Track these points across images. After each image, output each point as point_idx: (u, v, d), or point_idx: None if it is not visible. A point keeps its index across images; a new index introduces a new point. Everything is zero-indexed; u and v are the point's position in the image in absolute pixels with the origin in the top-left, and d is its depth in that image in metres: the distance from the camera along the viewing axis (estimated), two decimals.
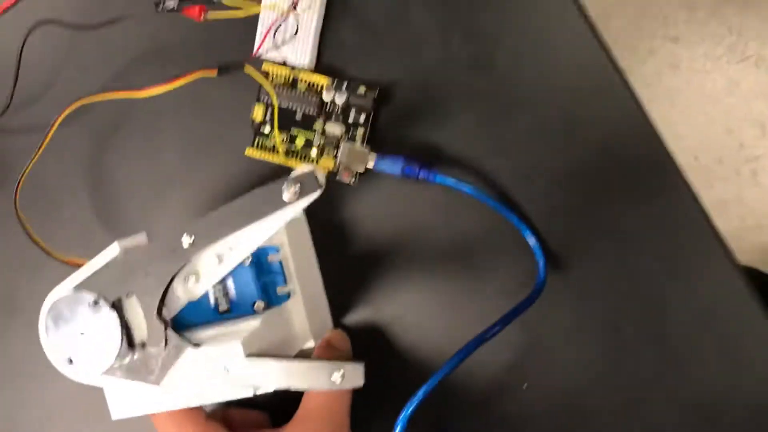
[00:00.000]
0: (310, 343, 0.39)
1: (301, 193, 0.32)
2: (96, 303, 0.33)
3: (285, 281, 0.38)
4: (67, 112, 0.39)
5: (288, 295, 0.38)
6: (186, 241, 0.32)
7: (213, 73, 0.37)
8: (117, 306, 0.33)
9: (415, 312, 0.40)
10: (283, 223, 0.33)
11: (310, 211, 0.40)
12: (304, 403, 0.36)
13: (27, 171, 0.39)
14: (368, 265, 0.41)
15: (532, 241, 0.37)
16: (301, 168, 0.33)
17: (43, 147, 0.39)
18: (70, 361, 0.34)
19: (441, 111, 0.39)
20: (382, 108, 0.39)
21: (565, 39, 0.38)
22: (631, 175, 0.38)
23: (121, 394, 0.35)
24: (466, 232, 0.39)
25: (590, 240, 0.38)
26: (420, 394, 0.32)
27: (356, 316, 0.41)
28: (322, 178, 0.33)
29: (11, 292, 0.45)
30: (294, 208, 0.32)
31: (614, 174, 0.38)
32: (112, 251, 0.33)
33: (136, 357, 0.34)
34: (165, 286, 0.33)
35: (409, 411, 0.32)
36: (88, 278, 0.33)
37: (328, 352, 0.38)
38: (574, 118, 0.38)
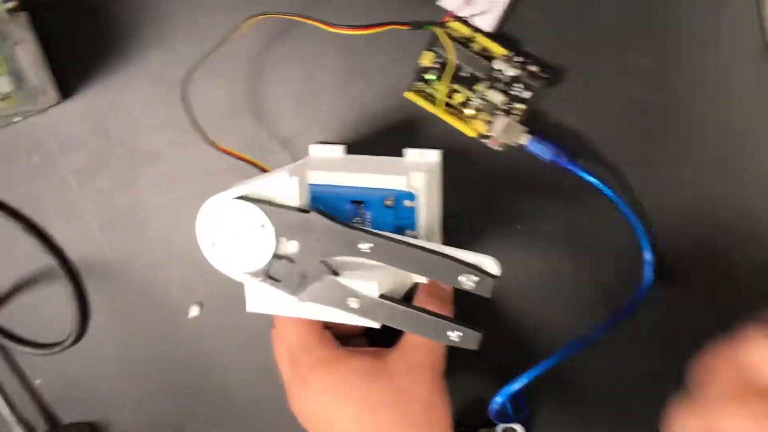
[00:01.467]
0: (423, 280, 0.43)
1: (476, 287, 0.35)
2: (263, 226, 0.37)
3: (415, 226, 0.41)
4: (254, 20, 0.40)
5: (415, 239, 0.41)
6: (363, 247, 0.35)
7: (404, 28, 0.39)
8: (278, 238, 0.37)
9: (520, 286, 0.44)
10: None
11: (446, 164, 0.42)
12: (408, 337, 0.41)
13: (202, 61, 0.42)
14: (486, 228, 0.44)
15: (647, 256, 0.40)
16: (484, 261, 0.35)
17: (221, 43, 0.41)
18: (213, 245, 0.38)
19: (601, 111, 0.40)
20: (551, 89, 0.41)
21: (746, 71, 0.39)
22: None
23: (259, 292, 0.40)
24: (586, 226, 0.42)
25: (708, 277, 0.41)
26: (524, 378, 0.36)
27: None
28: (496, 276, 0.35)
29: None
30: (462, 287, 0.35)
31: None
32: (282, 178, 0.36)
33: (278, 265, 0.38)
34: (326, 258, 0.37)
35: (513, 389, 0.36)
36: (268, 205, 0.37)
37: (431, 298, 0.42)
38: (738, 151, 0.40)
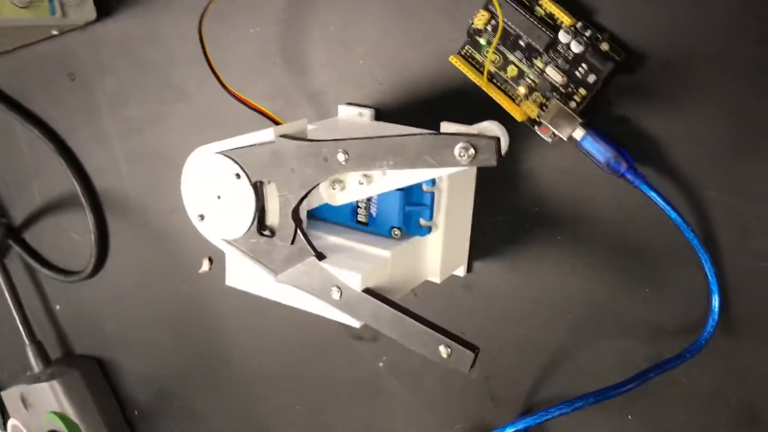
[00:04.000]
0: (436, 279, 0.36)
1: (474, 159, 0.27)
2: (238, 176, 0.32)
3: (431, 216, 0.35)
4: None
5: (429, 230, 0.35)
6: (341, 157, 0.29)
7: None
8: (257, 187, 0.32)
9: (549, 306, 0.37)
10: (444, 174, 0.29)
11: None
12: None
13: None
14: (524, 227, 0.37)
15: (715, 301, 0.32)
16: (487, 126, 0.29)
17: None
18: (202, 218, 0.34)
19: (686, 113, 0.32)
20: (619, 77, 0.33)
21: None
22: None
23: (241, 267, 0.35)
24: (641, 251, 0.34)
25: None
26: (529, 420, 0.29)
27: (492, 272, 0.38)
28: (503, 146, 0.28)
29: None
30: (461, 168, 0.28)
31: None
32: (267, 135, 0.31)
33: (262, 241, 0.33)
34: (307, 190, 0.31)
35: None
36: (238, 150, 0.31)
37: None
38: None
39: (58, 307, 0.59)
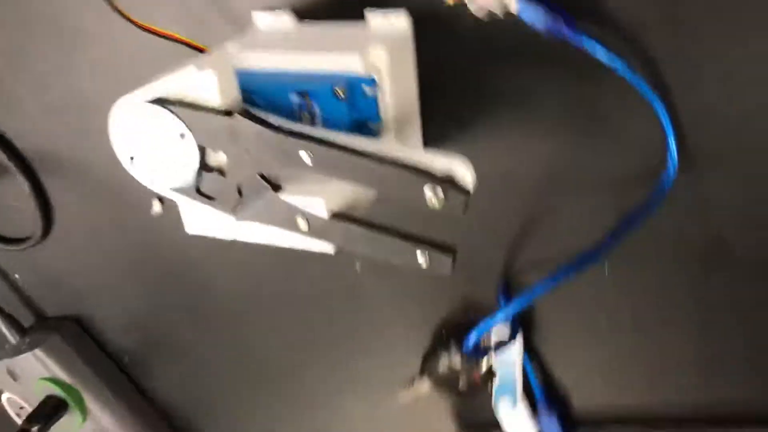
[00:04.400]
0: None
1: (446, 199, 0.27)
2: (182, 136, 0.30)
3: (379, 117, 0.33)
4: None
5: (380, 132, 0.34)
6: (305, 156, 0.28)
7: None
8: (201, 147, 0.30)
9: (512, 183, 0.37)
10: None
11: (420, 39, 0.34)
12: None
13: None
14: (472, 109, 0.36)
15: (672, 144, 0.32)
16: (455, 165, 0.27)
17: None
18: (132, 159, 0.32)
19: None
20: None
21: None
22: None
23: (196, 211, 0.33)
24: (594, 108, 0.34)
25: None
26: (513, 306, 0.30)
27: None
28: (470, 179, 0.27)
29: None
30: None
31: None
32: (189, 73, 0.29)
33: (209, 180, 0.31)
34: (257, 173, 0.30)
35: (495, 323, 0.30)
36: (186, 109, 0.29)
37: None
38: None
39: (17, 275, 0.57)
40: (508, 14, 0.31)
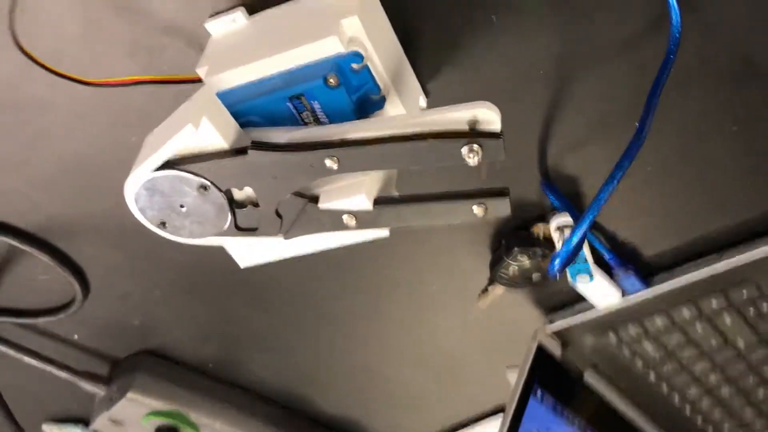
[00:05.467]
0: None
1: (484, 150, 0.26)
2: (205, 188, 0.29)
3: (378, 88, 0.32)
4: None
5: (384, 99, 0.33)
6: (330, 162, 0.27)
7: None
8: (228, 192, 0.29)
9: (519, 71, 0.36)
10: None
11: None
12: None
13: None
14: (455, 28, 0.34)
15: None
16: (481, 112, 0.26)
17: None
18: (164, 225, 0.31)
19: None
20: None
21: None
22: None
23: (243, 245, 0.33)
24: None
25: None
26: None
27: (450, 86, 0.37)
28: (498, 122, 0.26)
29: None
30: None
31: None
32: (187, 133, 0.28)
33: (245, 215, 0.31)
34: (293, 191, 0.29)
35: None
36: (200, 164, 0.28)
37: None
38: None
39: (76, 336, 0.58)
40: None
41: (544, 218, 0.42)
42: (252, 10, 0.34)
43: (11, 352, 0.56)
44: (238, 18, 0.34)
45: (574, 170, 0.40)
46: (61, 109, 0.40)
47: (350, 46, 0.30)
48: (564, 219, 0.40)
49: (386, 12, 0.33)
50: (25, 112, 0.40)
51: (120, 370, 0.59)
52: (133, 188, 0.30)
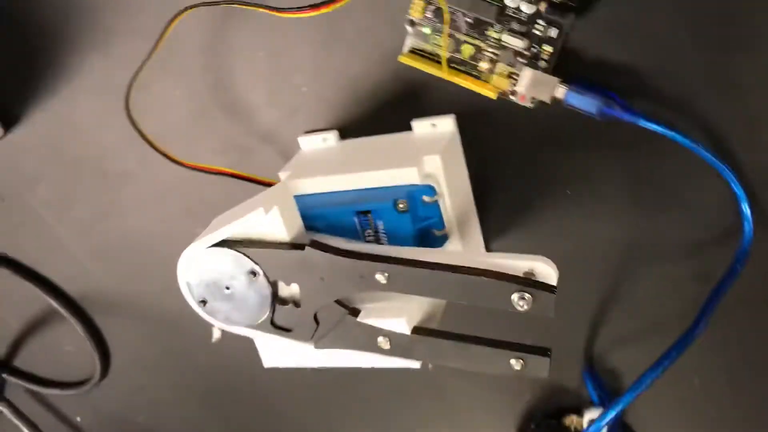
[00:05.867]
0: None
1: (534, 301, 0.26)
2: (254, 274, 0.29)
3: (443, 224, 0.33)
4: (185, 14, 0.32)
5: (446, 237, 0.33)
6: (380, 277, 0.28)
7: None
8: (274, 285, 0.30)
9: (579, 249, 0.36)
10: None
11: (467, 134, 0.34)
12: None
13: (142, 66, 0.34)
14: (530, 194, 0.35)
15: (744, 206, 0.31)
16: (538, 266, 0.27)
17: (159, 44, 0.33)
18: (204, 303, 0.32)
19: (654, 30, 0.30)
20: (581, 20, 0.31)
21: None
22: None
23: (272, 344, 0.33)
24: (657, 181, 0.33)
25: None
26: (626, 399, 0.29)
27: (510, 246, 0.37)
28: (555, 278, 0.27)
29: None
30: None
31: None
32: (257, 216, 0.29)
33: (284, 313, 0.31)
34: (336, 299, 0.29)
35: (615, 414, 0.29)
36: (255, 249, 0.29)
37: None
38: None
39: (79, 419, 0.57)
40: (556, 100, 0.31)
41: (579, 411, 0.40)
42: (343, 136, 0.37)
43: (11, 415, 0.55)
44: (330, 138, 0.37)
45: (618, 365, 0.38)
46: (143, 185, 0.42)
47: (426, 180, 0.31)
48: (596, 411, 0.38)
49: (468, 164, 0.35)
50: (110, 180, 0.43)
51: None
52: (187, 258, 0.30)
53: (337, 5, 0.29)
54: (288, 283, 0.30)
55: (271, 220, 0.29)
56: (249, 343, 0.46)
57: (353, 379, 0.45)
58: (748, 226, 0.32)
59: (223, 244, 0.30)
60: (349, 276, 0.29)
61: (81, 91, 0.40)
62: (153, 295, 0.47)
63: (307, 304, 0.30)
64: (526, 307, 0.27)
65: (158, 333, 0.49)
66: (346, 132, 0.37)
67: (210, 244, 0.30)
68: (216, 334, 0.47)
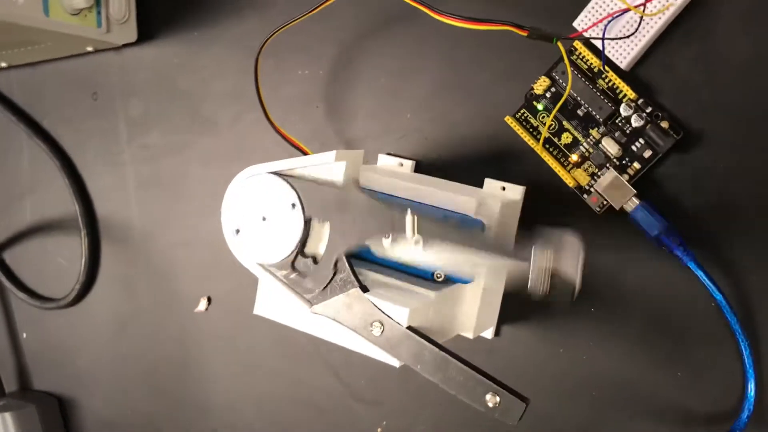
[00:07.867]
0: (468, 335, 0.35)
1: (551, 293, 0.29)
2: (293, 206, 0.31)
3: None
4: None
5: (471, 278, 0.34)
6: (411, 237, 0.30)
7: (522, 33, 0.32)
8: (308, 221, 0.31)
9: (578, 370, 0.36)
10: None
11: (530, 210, 0.36)
12: None
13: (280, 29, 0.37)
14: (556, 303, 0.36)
15: (750, 389, 0.32)
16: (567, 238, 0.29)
17: (307, 14, 0.37)
18: (237, 232, 0.32)
19: (733, 198, 0.33)
20: (675, 155, 0.34)
21: None
22: None
23: (272, 295, 0.33)
24: (679, 330, 0.34)
25: None
26: None
27: (518, 339, 0.37)
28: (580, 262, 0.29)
29: None
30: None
31: None
32: (328, 158, 0.31)
33: (299, 267, 0.31)
34: (361, 243, 0.30)
35: None
36: (301, 180, 0.31)
37: None
38: None
39: (24, 335, 0.55)
40: (623, 211, 0.33)
41: None
42: (418, 169, 0.39)
43: None
44: (406, 166, 0.39)
45: None
46: (223, 139, 0.45)
47: (480, 215, 0.33)
48: None
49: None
50: (196, 123, 0.46)
51: (21, 394, 0.55)
52: (240, 180, 0.32)
53: (492, 27, 0.32)
54: (321, 221, 0.31)
55: (336, 167, 0.31)
56: (217, 347, 0.45)
57: (296, 411, 0.44)
58: (747, 411, 0.32)
59: (278, 174, 0.31)
60: (380, 217, 0.30)
61: (218, 37, 0.44)
62: (168, 244, 0.48)
63: (328, 255, 0.31)
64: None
65: (149, 283, 0.49)
66: (422, 167, 0.39)
67: (269, 170, 0.31)
68: (201, 306, 0.48)
